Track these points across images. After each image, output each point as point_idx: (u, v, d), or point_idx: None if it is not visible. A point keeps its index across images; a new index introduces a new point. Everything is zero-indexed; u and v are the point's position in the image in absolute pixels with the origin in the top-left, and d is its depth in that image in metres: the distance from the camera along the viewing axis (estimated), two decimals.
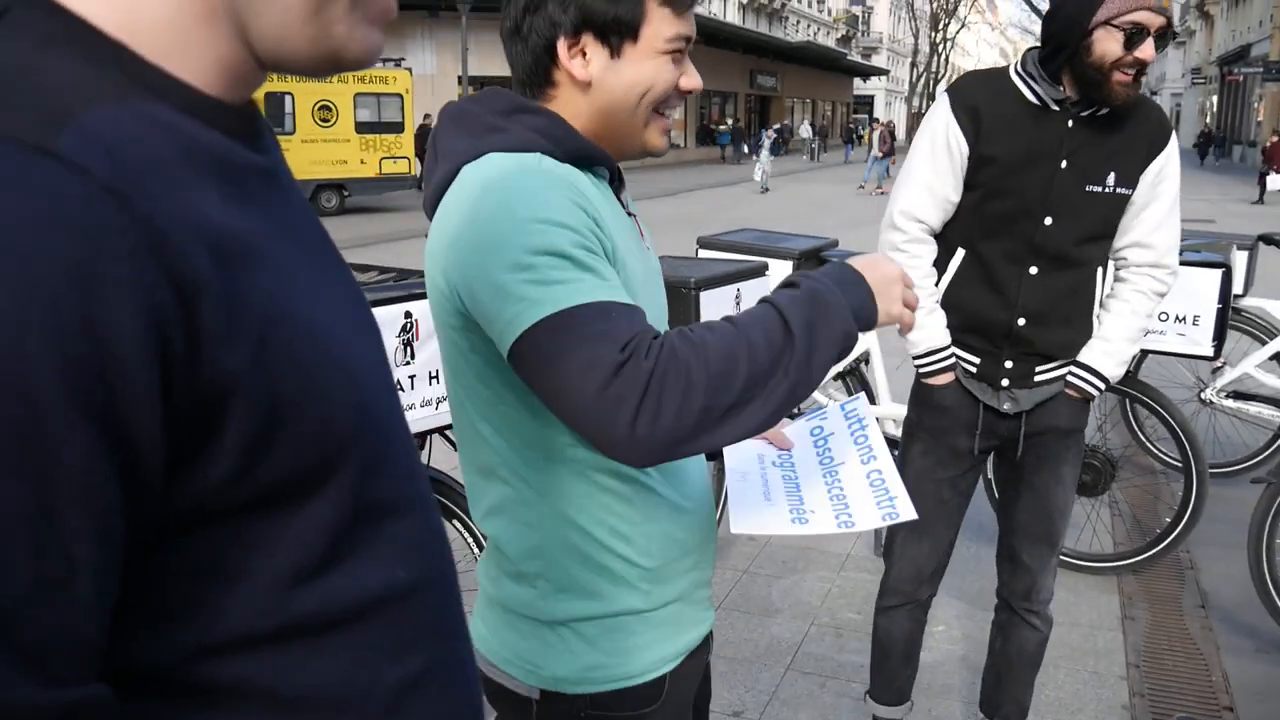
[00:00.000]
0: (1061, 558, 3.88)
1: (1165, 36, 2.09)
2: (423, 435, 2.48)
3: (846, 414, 1.59)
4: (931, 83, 62.45)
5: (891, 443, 2.00)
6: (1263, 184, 21.42)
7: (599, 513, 1.28)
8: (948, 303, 2.32)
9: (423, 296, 2.31)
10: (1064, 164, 2.19)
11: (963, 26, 67.11)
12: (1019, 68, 2.25)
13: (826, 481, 1.47)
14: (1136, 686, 3.12)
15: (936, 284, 2.32)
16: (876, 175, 25.55)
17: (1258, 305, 4.77)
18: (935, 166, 2.25)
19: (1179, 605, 3.67)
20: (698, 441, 1.12)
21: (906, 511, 1.40)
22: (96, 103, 0.56)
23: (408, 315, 2.27)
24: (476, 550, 2.72)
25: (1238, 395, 4.72)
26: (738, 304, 3.45)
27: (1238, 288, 4.51)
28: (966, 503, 2.51)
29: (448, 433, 2.67)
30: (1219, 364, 4.66)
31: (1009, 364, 2.31)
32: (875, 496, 1.43)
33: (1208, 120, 49.58)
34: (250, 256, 0.61)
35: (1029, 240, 2.22)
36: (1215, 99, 48.94)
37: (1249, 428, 5.00)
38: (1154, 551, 3.80)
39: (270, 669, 0.65)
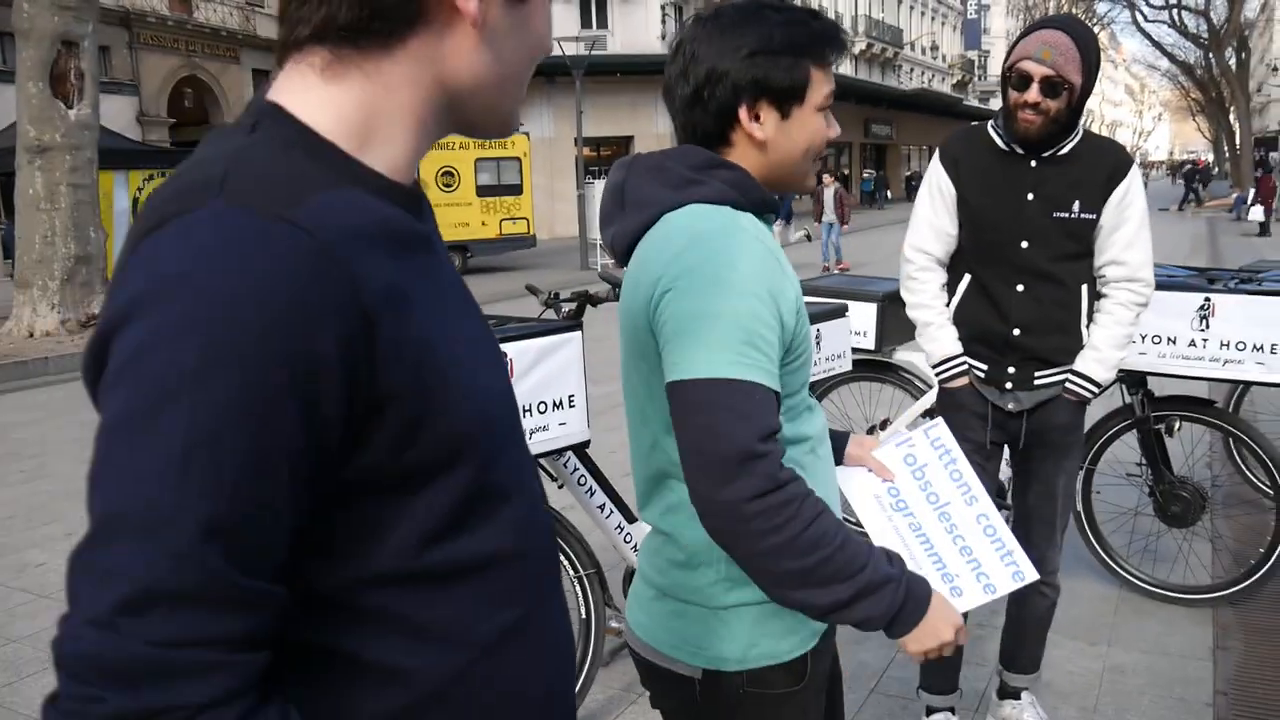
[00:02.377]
0: (1155, 589, 3.91)
1: (1055, 85, 2.42)
2: None
3: (933, 442, 1.67)
4: None
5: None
6: (1268, 214, 22.72)
7: None
8: (958, 319, 2.76)
9: (517, 338, 2.60)
10: (1030, 196, 2.60)
11: None
12: (994, 121, 2.65)
13: (951, 536, 1.58)
14: (1223, 713, 3.14)
15: (947, 304, 2.73)
16: (835, 249, 18.22)
17: None
18: (933, 206, 2.75)
19: (1275, 637, 3.65)
20: (742, 554, 1.32)
21: (1029, 572, 1.53)
22: (321, 189, 0.79)
23: (504, 355, 2.56)
24: (580, 601, 2.97)
25: None
26: (818, 343, 3.65)
27: None
28: (994, 486, 2.92)
29: (542, 461, 2.94)
30: None
31: (1011, 369, 2.72)
32: (996, 551, 1.55)
33: None
34: (410, 302, 0.82)
35: (1012, 262, 2.64)
36: None
37: None
38: (1249, 583, 3.78)
39: (406, 601, 0.85)
